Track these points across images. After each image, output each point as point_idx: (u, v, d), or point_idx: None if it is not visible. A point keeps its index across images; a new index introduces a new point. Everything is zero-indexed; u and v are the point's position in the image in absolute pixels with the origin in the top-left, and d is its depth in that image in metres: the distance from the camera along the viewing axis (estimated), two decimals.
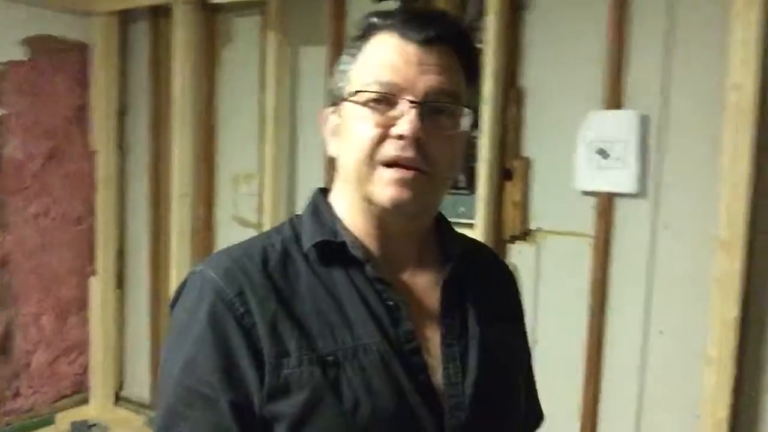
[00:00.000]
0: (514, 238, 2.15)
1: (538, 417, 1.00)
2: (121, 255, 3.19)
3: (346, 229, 0.79)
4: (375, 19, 0.78)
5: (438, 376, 0.76)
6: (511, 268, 1.03)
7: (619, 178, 1.95)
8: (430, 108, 0.74)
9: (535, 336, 2.14)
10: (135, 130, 3.12)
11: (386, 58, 0.75)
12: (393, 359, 0.73)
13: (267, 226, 2.55)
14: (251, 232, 2.72)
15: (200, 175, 2.85)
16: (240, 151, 2.80)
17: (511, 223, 2.13)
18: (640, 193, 1.94)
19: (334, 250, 0.77)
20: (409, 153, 0.73)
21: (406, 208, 0.75)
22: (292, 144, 2.67)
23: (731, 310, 1.69)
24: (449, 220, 0.90)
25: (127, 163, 3.17)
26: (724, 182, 1.69)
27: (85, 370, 3.20)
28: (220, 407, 0.69)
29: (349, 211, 0.80)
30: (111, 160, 3.07)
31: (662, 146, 1.90)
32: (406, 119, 0.72)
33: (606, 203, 1.98)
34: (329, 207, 0.82)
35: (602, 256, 1.99)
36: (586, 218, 2.03)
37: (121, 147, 3.13)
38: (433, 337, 0.78)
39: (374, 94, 0.74)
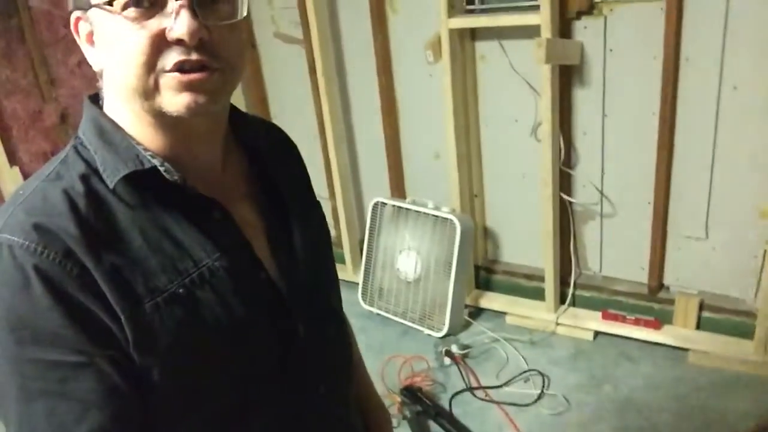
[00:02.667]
0: (580, 14, 2.09)
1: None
2: None
3: (146, 149, 0.69)
4: None
5: (273, 268, 0.76)
6: None
7: None
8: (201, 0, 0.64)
9: (606, 110, 2.18)
10: None
11: None
12: (236, 270, 0.70)
13: (315, 41, 2.50)
14: (298, 50, 2.68)
15: None
16: None
17: None
18: None
19: (144, 177, 0.68)
20: (194, 56, 0.64)
21: (204, 112, 0.67)
22: None
23: None
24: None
25: None
26: None
27: None
28: (99, 368, 0.63)
29: (139, 126, 0.70)
30: None
31: None
32: (180, 21, 0.62)
33: None
34: (115, 125, 0.70)
35: (674, 20, 1.94)
36: None
37: None
38: (259, 233, 0.77)
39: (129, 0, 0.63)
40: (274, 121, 2.94)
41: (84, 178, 0.67)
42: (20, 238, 0.63)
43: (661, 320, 2.26)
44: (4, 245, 0.63)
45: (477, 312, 2.58)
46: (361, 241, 2.87)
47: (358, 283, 2.74)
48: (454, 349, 2.28)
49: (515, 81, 2.29)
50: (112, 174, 0.67)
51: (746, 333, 2.12)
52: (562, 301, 2.44)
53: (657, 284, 2.29)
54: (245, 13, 0.69)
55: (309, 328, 0.78)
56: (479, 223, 2.58)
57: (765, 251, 2.03)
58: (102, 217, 0.66)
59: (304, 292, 0.78)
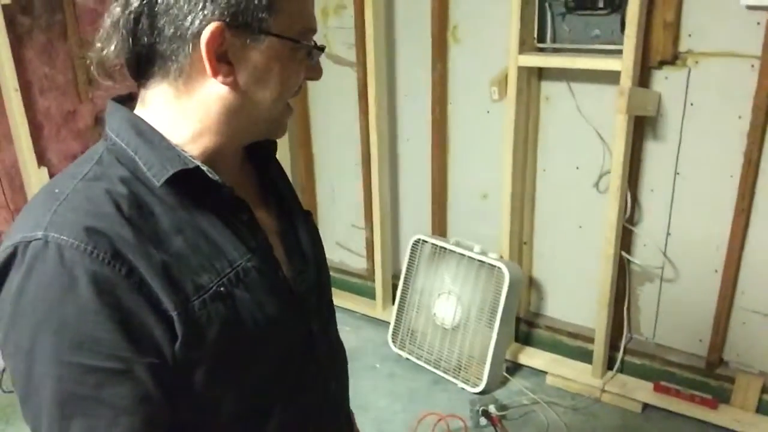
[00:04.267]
0: (662, 63, 1.94)
1: None
2: None
3: (184, 151, 0.71)
4: None
5: (287, 268, 0.79)
6: None
7: None
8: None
9: (678, 168, 2.03)
10: None
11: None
12: (264, 269, 0.74)
13: (371, 66, 2.37)
14: (349, 72, 2.55)
15: None
16: None
17: (661, 47, 1.91)
18: None
19: (184, 178, 0.69)
20: None
21: None
22: None
23: None
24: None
25: None
26: None
27: None
28: (137, 375, 0.64)
29: (178, 131, 0.71)
30: None
31: None
32: (319, 67, 0.76)
33: None
34: (152, 127, 0.71)
35: (767, 79, 1.79)
36: (750, 36, 1.80)
37: None
38: (273, 236, 0.80)
39: (318, 45, 0.74)
40: (315, 142, 2.82)
41: (124, 180, 0.68)
42: (70, 237, 0.62)
43: (718, 398, 2.08)
44: (51, 244, 0.62)
45: (514, 368, 2.41)
46: (394, 278, 2.72)
47: (387, 323, 2.58)
48: (492, 409, 2.11)
49: (580, 126, 2.14)
50: (158, 173, 0.68)
51: None
52: (610, 366, 2.27)
53: (716, 359, 2.11)
54: None
55: (319, 324, 0.83)
56: (525, 271, 2.41)
57: None
58: (145, 217, 0.67)
59: (313, 292, 0.83)
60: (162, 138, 0.71)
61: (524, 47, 2.05)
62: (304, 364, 0.81)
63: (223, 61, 0.67)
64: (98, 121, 2.74)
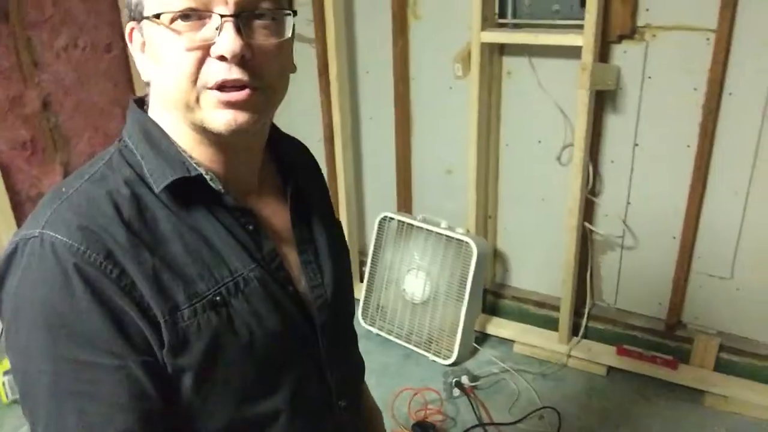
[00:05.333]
0: (621, 38, 1.98)
1: None
2: None
3: (191, 157, 0.71)
4: None
5: (302, 283, 0.78)
6: None
7: None
8: (247, 17, 0.65)
9: (638, 139, 2.08)
10: None
11: None
12: (268, 281, 0.72)
13: (331, 41, 2.34)
14: (307, 49, 2.51)
15: None
16: None
17: (619, 21, 1.94)
18: None
19: (188, 185, 0.69)
20: (236, 74, 0.64)
21: (244, 131, 0.67)
22: None
23: None
24: None
25: None
26: None
27: None
28: (131, 372, 0.64)
29: (184, 136, 0.71)
30: None
31: None
32: (223, 37, 0.63)
33: None
34: (161, 131, 0.72)
35: (723, 51, 1.84)
36: (705, 10, 1.85)
37: None
38: (289, 248, 0.79)
39: (178, 12, 0.63)
40: (277, 120, 2.77)
41: (129, 182, 0.68)
42: (64, 236, 0.63)
43: (678, 359, 2.18)
44: (46, 242, 0.63)
45: (483, 338, 2.47)
46: (360, 254, 2.73)
47: (357, 300, 2.60)
48: (464, 380, 2.16)
49: (542, 100, 2.17)
50: (159, 179, 0.68)
51: (766, 378, 2.06)
52: (575, 332, 2.35)
53: (675, 321, 2.21)
54: (290, 34, 0.70)
55: (331, 343, 0.81)
56: (490, 244, 2.46)
57: None
58: (145, 221, 0.67)
59: (327, 308, 0.80)
60: (170, 143, 0.71)
61: (486, 23, 2.06)
62: (309, 381, 0.79)
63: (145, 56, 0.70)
64: (46, 105, 2.64)
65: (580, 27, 1.91)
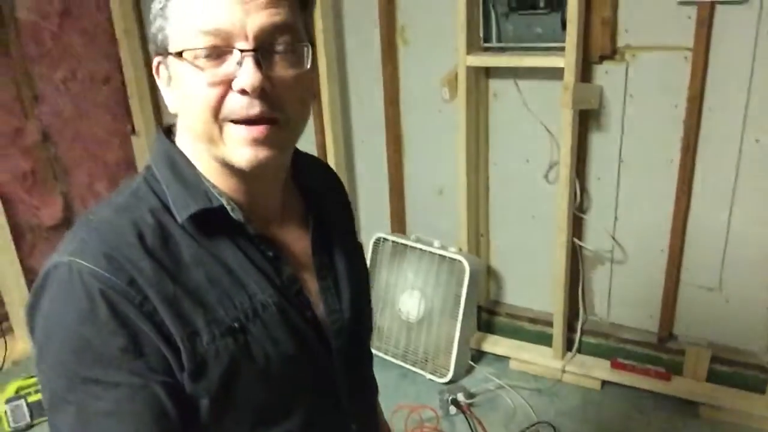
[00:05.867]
0: (602, 58, 2.04)
1: None
2: (157, 110, 3.05)
3: (214, 186, 0.73)
4: None
5: (320, 309, 0.80)
6: None
7: None
8: (267, 50, 0.67)
9: (622, 156, 2.14)
10: None
11: (203, 1, 0.65)
12: (286, 306, 0.74)
13: (323, 68, 2.40)
14: None
15: None
16: None
17: (600, 42, 2.00)
18: (744, 0, 1.80)
19: (211, 214, 0.72)
20: (257, 108, 0.67)
21: (265, 166, 0.70)
22: None
23: None
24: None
25: (144, 11, 2.90)
26: None
27: None
28: (153, 392, 0.66)
29: (208, 166, 0.74)
30: (126, 6, 2.81)
31: None
32: (244, 71, 0.65)
33: (706, 13, 1.85)
34: (187, 160, 0.74)
35: (700, 69, 1.90)
36: (682, 30, 1.91)
37: None
38: (309, 275, 0.81)
39: (201, 50, 0.66)
40: None
41: (154, 211, 0.71)
42: (90, 263, 0.66)
43: (671, 371, 2.21)
44: (74, 269, 0.66)
45: (479, 355, 2.49)
46: None
47: None
48: (461, 397, 2.19)
49: (528, 120, 2.23)
50: (182, 209, 0.71)
51: (759, 387, 2.08)
52: (569, 347, 2.38)
53: (666, 334, 2.24)
54: (309, 66, 0.71)
55: (347, 368, 0.82)
56: (483, 262, 2.50)
57: None
58: (168, 249, 0.70)
59: (345, 333, 0.82)
60: (195, 172, 0.73)
61: (471, 48, 2.12)
62: (324, 405, 0.81)
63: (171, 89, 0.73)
64: (46, 137, 2.70)
65: (562, 49, 1.98)
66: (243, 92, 0.66)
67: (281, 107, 0.68)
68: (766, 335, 2.10)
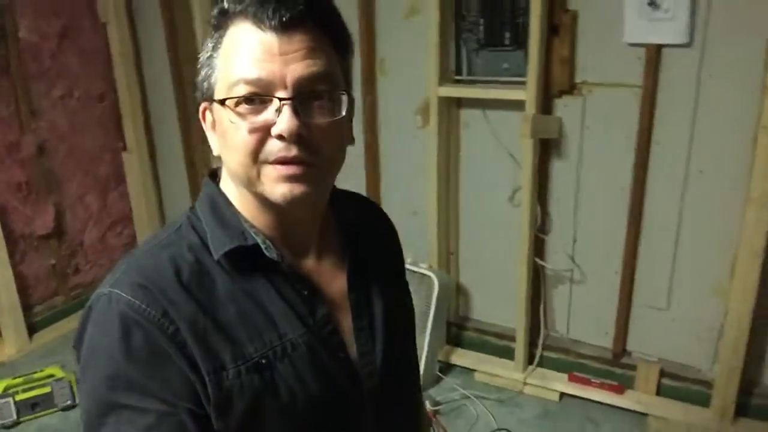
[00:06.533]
0: (561, 93, 2.23)
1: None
2: (148, 128, 3.20)
3: (252, 226, 0.77)
4: (226, 4, 0.72)
5: (353, 349, 0.81)
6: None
7: (669, 29, 1.99)
8: (305, 99, 0.71)
9: (580, 183, 2.31)
10: None
11: (246, 52, 0.70)
12: (317, 346, 0.76)
13: None
14: None
15: None
16: None
17: (559, 78, 2.19)
18: (688, 43, 2.00)
19: (246, 252, 0.75)
20: (293, 152, 0.70)
21: (301, 202, 0.73)
22: None
23: None
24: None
25: (141, 34, 3.07)
26: None
27: (132, 240, 3.35)
28: (181, 419, 0.69)
29: (247, 206, 0.78)
30: (124, 31, 2.97)
31: None
32: (282, 119, 0.69)
33: (653, 54, 2.04)
34: (227, 201, 0.79)
35: (648, 105, 2.09)
36: (632, 69, 2.10)
37: (131, 16, 3.01)
38: (345, 313, 0.82)
39: (242, 98, 0.70)
40: None
41: (192, 248, 0.76)
42: (127, 294, 0.70)
43: (623, 385, 2.36)
44: (113, 299, 0.71)
45: (447, 367, 2.63)
46: None
47: None
48: (427, 405, 2.32)
49: (496, 148, 2.40)
50: (218, 247, 0.75)
51: (704, 401, 2.24)
52: (530, 361, 2.52)
53: (620, 350, 2.40)
54: (344, 113, 0.75)
55: (379, 412, 0.82)
56: (453, 279, 2.65)
57: (722, 325, 2.16)
58: (202, 285, 0.73)
59: (377, 377, 0.81)
60: (233, 212, 0.77)
61: (443, 79, 2.31)
62: None
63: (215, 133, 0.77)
64: (42, 151, 2.83)
65: (525, 83, 2.16)
66: (281, 137, 0.69)
67: (317, 152, 0.71)
68: (711, 353, 2.26)
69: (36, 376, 2.43)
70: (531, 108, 2.14)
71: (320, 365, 0.76)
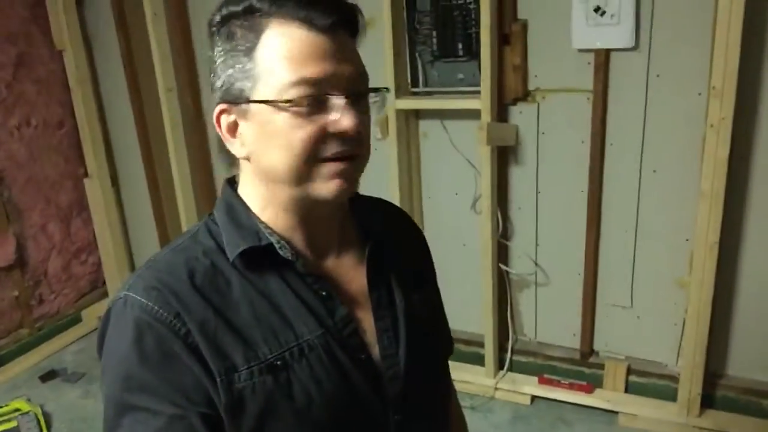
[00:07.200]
0: (516, 100, 2.27)
1: (449, 343, 1.03)
2: (109, 153, 3.17)
3: (267, 227, 0.77)
4: (257, 3, 0.71)
5: (375, 350, 0.79)
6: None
7: (615, 34, 2.05)
8: (358, 97, 0.73)
9: (539, 187, 2.35)
10: (98, 23, 2.98)
11: (301, 53, 0.70)
12: (335, 348, 0.75)
13: None
14: None
15: (181, 67, 2.79)
16: None
17: (513, 86, 2.23)
18: (635, 47, 2.06)
19: (261, 253, 0.75)
20: (355, 148, 0.73)
21: (346, 197, 0.75)
22: None
23: (723, 151, 1.90)
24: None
25: (98, 59, 3.05)
26: (720, 37, 1.82)
27: (97, 267, 3.31)
28: (191, 422, 0.69)
29: (268, 207, 0.78)
30: (80, 57, 2.96)
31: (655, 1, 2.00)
32: (348, 116, 0.70)
33: (602, 59, 2.10)
34: (244, 204, 0.79)
35: (600, 108, 2.14)
36: (583, 74, 2.15)
37: (88, 42, 3.00)
38: (366, 314, 0.80)
39: (305, 98, 0.70)
40: None
41: (208, 251, 0.76)
42: (141, 296, 0.72)
43: (592, 384, 2.40)
44: (128, 302, 0.72)
45: None
46: None
47: None
48: None
49: (455, 157, 2.44)
50: (233, 249, 0.75)
51: (670, 396, 2.28)
52: (500, 366, 2.55)
53: (588, 350, 2.44)
54: (384, 108, 0.78)
55: (404, 418, 0.80)
56: None
57: (684, 319, 2.21)
58: (216, 287, 0.74)
59: (400, 379, 0.80)
60: (249, 215, 0.78)
61: (400, 92, 2.33)
62: None
63: (236, 136, 0.75)
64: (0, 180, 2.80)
65: (480, 92, 2.20)
66: (343, 135, 0.71)
67: (362, 145, 0.74)
68: (675, 348, 2.31)
69: (2, 410, 2.39)
70: (486, 116, 2.18)
71: (338, 367, 0.75)
